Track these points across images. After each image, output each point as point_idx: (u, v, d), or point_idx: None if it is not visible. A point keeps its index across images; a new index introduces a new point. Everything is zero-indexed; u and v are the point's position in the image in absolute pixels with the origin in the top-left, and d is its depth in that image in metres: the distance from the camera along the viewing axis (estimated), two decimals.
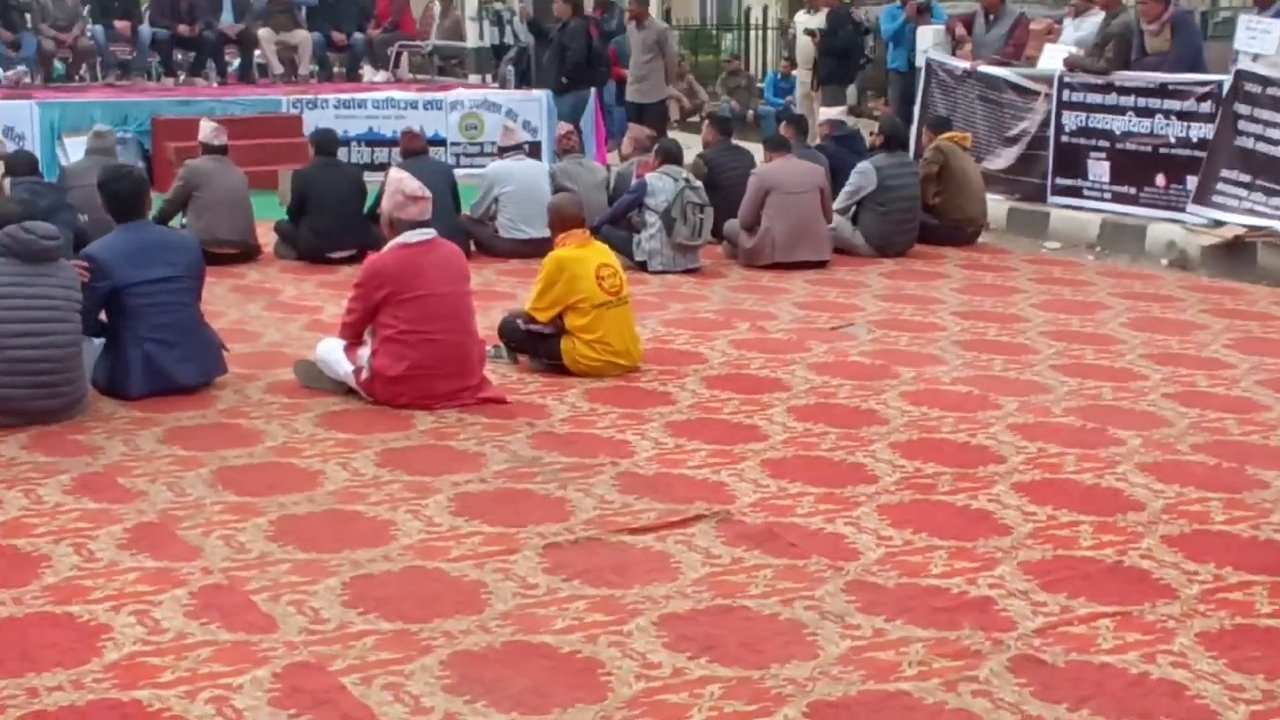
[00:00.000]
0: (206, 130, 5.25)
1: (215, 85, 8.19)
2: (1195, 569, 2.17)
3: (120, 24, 7.97)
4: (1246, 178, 5.01)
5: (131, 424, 3.32)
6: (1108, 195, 5.82)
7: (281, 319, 4.61)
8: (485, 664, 1.71)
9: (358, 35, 8.83)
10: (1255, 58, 5.24)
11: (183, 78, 8.20)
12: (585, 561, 2.28)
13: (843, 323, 4.30)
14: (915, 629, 1.84)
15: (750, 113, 9.65)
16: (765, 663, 1.67)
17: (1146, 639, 1.77)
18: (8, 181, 4.71)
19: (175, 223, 5.00)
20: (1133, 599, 1.99)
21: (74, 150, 6.07)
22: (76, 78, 8.23)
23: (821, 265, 5.15)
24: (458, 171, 6.01)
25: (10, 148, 5.55)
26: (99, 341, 3.41)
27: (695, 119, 8.65)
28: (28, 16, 8.08)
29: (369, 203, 5.01)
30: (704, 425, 3.39)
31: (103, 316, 3.29)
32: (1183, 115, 5.33)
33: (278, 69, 8.37)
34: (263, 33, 8.31)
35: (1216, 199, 5.14)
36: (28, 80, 7.60)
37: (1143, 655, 1.70)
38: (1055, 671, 1.65)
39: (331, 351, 3.50)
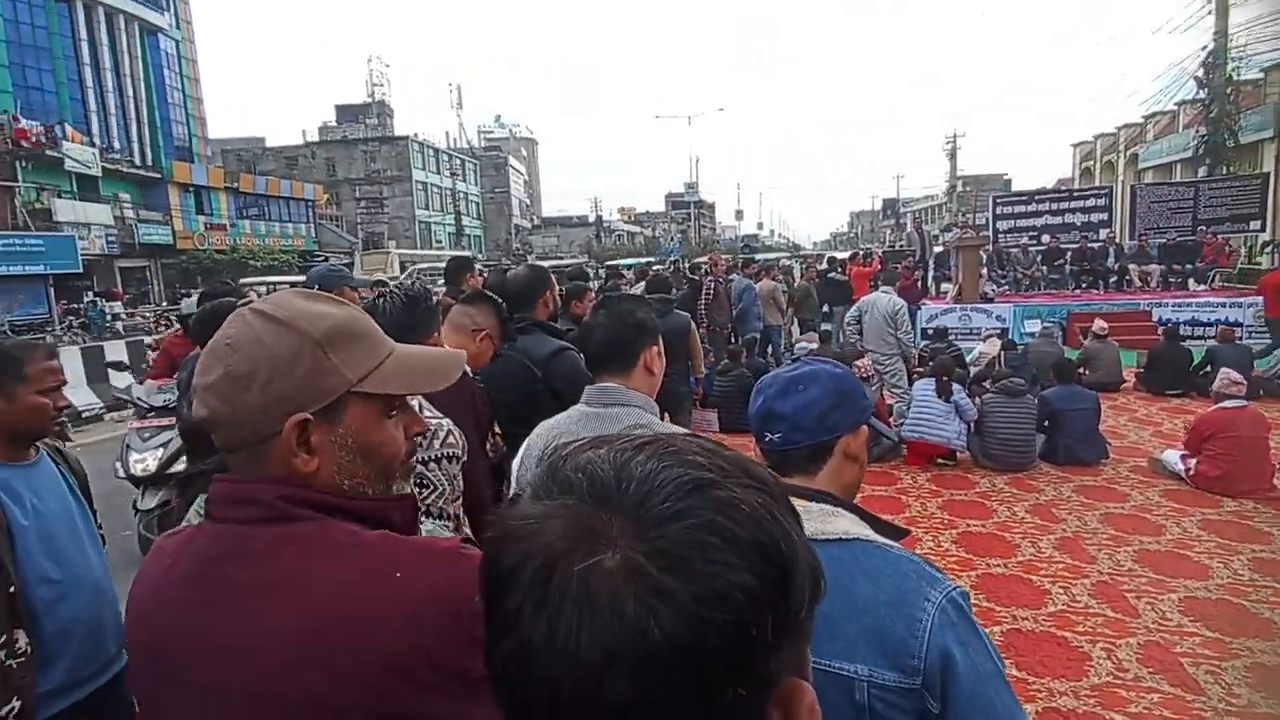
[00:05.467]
0: (1097, 324, 9.34)
1: (1102, 293, 14.03)
2: None
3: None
4: None
5: (1059, 479, 5.81)
6: None
7: (1138, 428, 7.41)
8: None
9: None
10: None
11: (1082, 289, 14.47)
12: None
13: None
14: None
15: None
16: None
17: None
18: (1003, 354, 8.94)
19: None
20: None
21: (1031, 327, 11.41)
22: (1026, 289, 14.86)
23: None
24: None
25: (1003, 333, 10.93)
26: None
27: None
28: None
29: (1194, 362, 8.57)
30: None
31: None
32: None
33: (1137, 283, 14.03)
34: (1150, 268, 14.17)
35: None
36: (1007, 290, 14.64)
37: None
38: None
39: (1171, 456, 5.84)
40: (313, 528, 0.81)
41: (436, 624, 0.77)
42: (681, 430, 1.31)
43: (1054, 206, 16.73)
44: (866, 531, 1.10)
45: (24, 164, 23.75)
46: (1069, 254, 15.01)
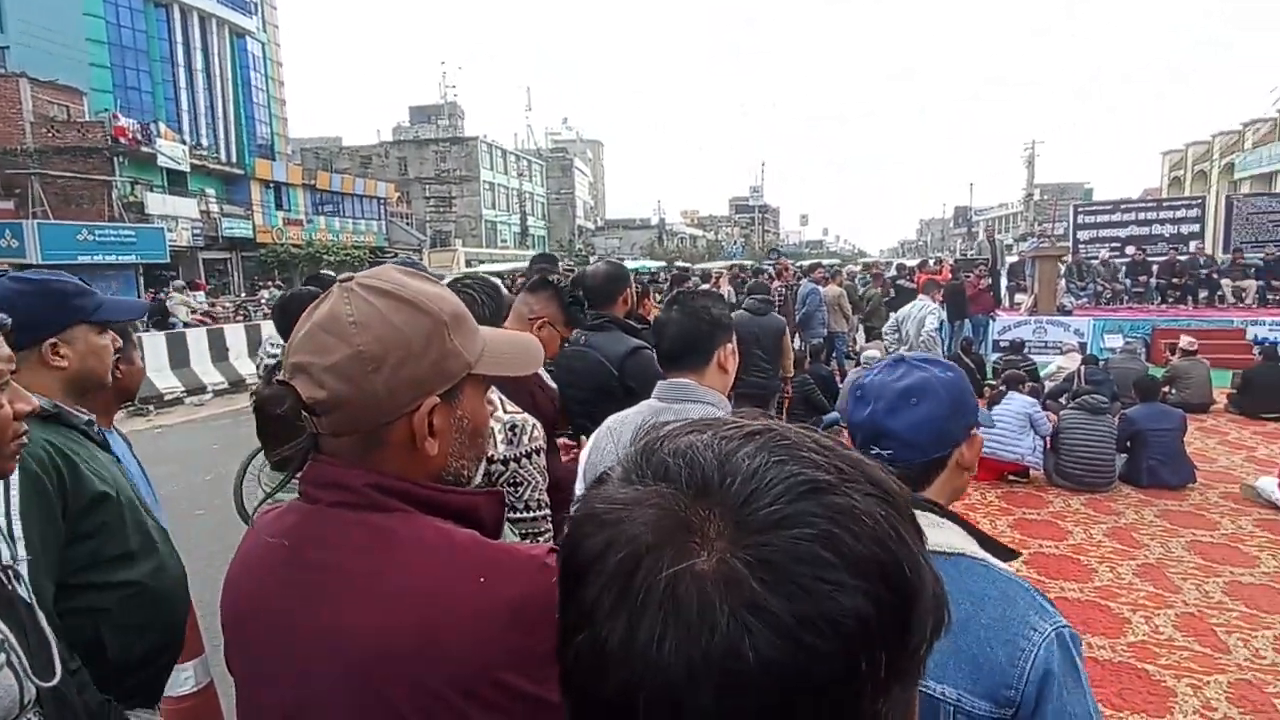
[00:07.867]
0: (1184, 340, 9.05)
1: (1191, 309, 13.02)
2: None
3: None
4: None
5: (1140, 502, 5.58)
6: None
7: (1230, 452, 6.96)
8: None
9: None
10: None
11: (1169, 304, 13.46)
12: None
13: None
14: None
15: None
16: None
17: None
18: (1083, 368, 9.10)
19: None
20: None
21: (1112, 342, 10.91)
22: (1108, 303, 13.97)
23: None
24: None
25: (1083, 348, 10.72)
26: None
27: None
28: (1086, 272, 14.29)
29: None
30: None
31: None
32: None
33: (1230, 299, 13.14)
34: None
35: None
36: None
37: None
38: None
39: (1268, 483, 5.54)
40: (398, 520, 0.79)
41: (511, 639, 0.73)
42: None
43: (1141, 216, 15.94)
44: (973, 548, 1.03)
45: (121, 159, 25.22)
46: (1155, 267, 14.26)
